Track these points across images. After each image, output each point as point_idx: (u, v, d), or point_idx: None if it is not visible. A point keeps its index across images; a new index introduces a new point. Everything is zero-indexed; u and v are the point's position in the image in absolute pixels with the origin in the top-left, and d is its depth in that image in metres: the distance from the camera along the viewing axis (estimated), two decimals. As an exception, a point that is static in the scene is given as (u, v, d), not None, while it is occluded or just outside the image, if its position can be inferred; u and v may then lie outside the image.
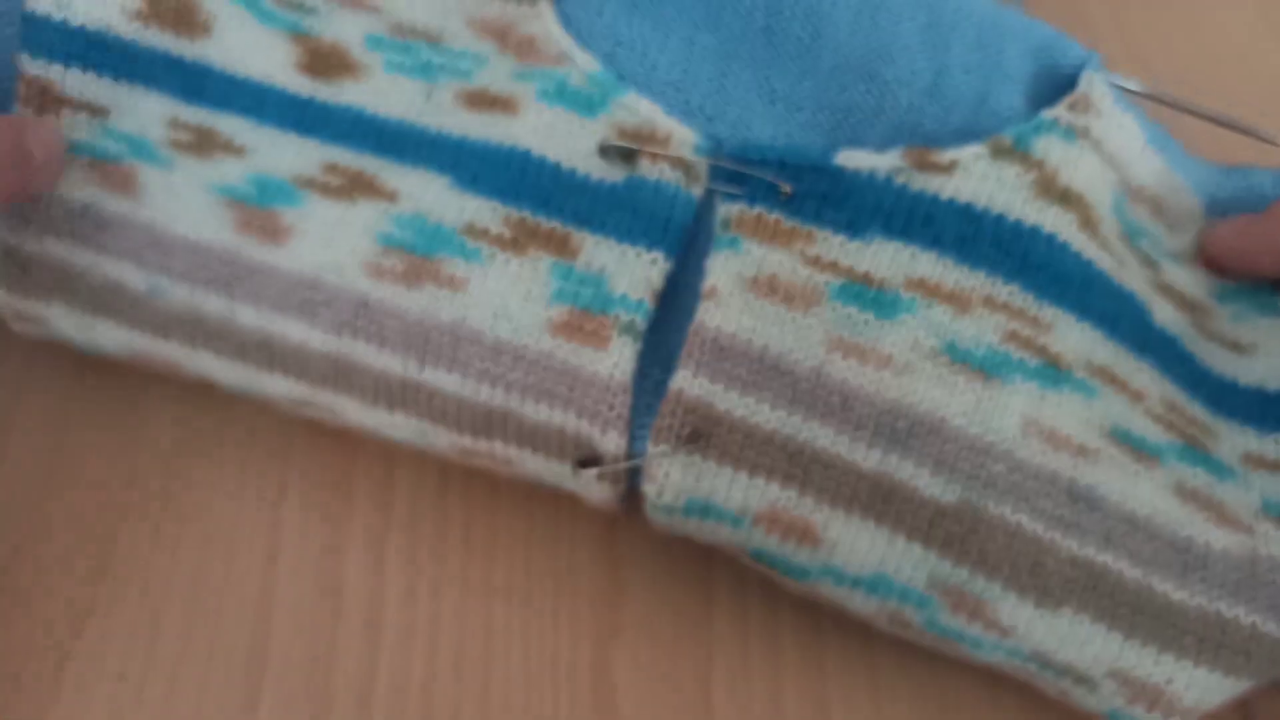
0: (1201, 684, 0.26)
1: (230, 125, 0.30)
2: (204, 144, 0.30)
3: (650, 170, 0.29)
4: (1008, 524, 0.26)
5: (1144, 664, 0.26)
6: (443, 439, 0.29)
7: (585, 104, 0.29)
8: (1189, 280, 0.32)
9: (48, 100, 0.29)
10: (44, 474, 0.32)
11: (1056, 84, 0.31)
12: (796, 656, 0.30)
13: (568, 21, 0.31)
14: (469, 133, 0.30)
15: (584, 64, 0.30)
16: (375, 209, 0.29)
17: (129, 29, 0.30)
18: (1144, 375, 0.29)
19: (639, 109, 0.29)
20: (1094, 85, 0.31)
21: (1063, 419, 0.27)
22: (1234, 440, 0.30)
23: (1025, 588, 0.26)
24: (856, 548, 0.27)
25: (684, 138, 0.29)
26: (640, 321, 0.27)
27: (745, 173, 0.29)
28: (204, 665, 0.29)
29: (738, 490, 0.27)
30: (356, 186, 0.29)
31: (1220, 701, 0.26)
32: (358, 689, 0.29)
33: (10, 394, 0.33)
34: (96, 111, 0.29)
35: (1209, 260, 0.32)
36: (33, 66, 0.29)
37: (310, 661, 0.29)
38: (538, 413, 0.27)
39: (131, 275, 0.29)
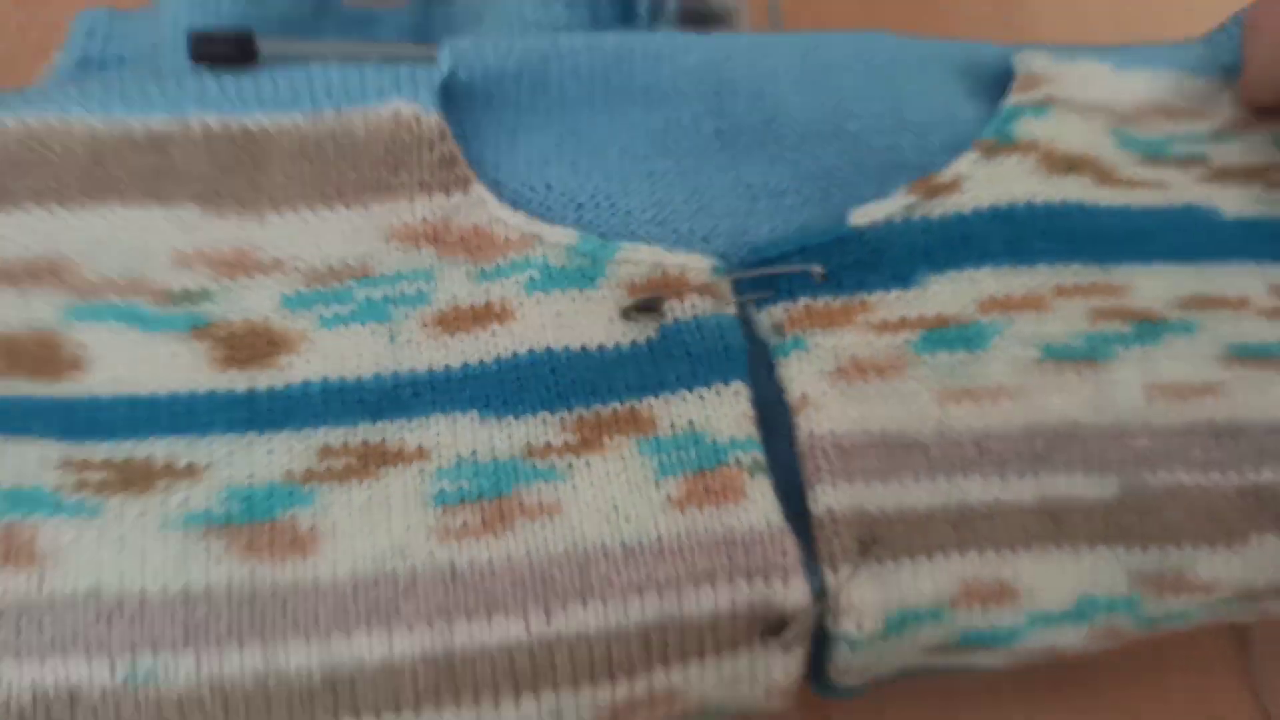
0: None
1: (162, 449, 0.23)
2: (133, 478, 0.23)
3: (680, 310, 0.26)
4: (1170, 488, 0.27)
5: None
6: (588, 707, 0.23)
7: (581, 277, 0.26)
8: (1243, 149, 0.32)
9: None
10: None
11: (997, 83, 0.31)
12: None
13: (515, 200, 0.27)
14: (469, 358, 0.25)
15: (558, 238, 0.26)
16: (410, 473, 0.24)
17: None
18: (1240, 278, 0.30)
19: (639, 256, 0.27)
20: (1030, 60, 0.31)
21: (1178, 368, 0.28)
22: None
23: (1212, 538, 0.27)
24: (1052, 581, 0.26)
25: (698, 264, 0.27)
26: (761, 457, 0.25)
27: (773, 274, 0.27)
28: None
29: (925, 578, 0.25)
30: (372, 459, 0.24)
31: None
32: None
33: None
34: None
35: (1257, 109, 0.32)
36: None
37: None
38: (701, 604, 0.23)
39: (84, 670, 0.21)
